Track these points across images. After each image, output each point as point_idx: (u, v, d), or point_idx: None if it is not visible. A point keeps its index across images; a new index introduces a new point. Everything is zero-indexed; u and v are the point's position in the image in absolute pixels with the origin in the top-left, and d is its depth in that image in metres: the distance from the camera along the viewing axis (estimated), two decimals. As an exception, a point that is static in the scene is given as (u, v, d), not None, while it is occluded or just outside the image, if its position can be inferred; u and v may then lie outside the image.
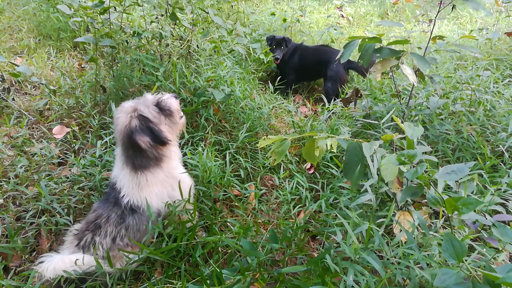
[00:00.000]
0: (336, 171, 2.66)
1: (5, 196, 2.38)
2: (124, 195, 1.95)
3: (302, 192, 2.59)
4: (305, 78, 4.47)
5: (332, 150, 1.94)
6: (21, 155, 2.73)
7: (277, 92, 4.25)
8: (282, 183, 2.74)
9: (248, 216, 2.45)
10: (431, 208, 2.06)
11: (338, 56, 2.78)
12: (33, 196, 2.38)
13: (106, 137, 2.82)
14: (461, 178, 2.15)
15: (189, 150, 2.71)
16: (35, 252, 2.13)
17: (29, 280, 1.77)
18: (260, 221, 2.45)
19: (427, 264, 1.67)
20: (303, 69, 4.39)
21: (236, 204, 2.48)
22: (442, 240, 1.72)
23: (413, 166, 1.61)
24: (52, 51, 4.17)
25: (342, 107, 3.52)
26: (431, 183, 1.67)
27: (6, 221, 2.17)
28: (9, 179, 2.50)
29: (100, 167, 2.57)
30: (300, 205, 2.51)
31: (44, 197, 2.31)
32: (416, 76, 2.76)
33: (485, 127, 2.99)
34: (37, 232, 2.23)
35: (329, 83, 4.14)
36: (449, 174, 1.51)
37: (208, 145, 2.72)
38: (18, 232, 2.14)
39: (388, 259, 1.70)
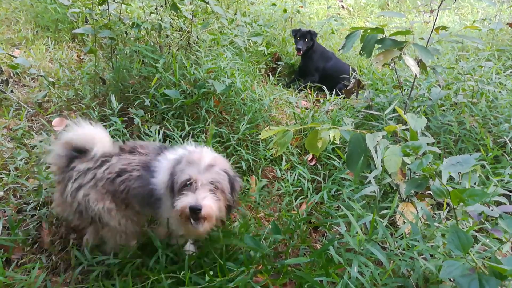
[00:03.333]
0: (338, 162, 2.65)
1: (5, 189, 2.36)
2: None
3: (304, 184, 2.58)
4: (325, 84, 4.46)
5: (334, 141, 1.93)
6: (20, 147, 2.71)
7: (279, 83, 4.23)
8: (283, 174, 2.73)
9: (250, 209, 2.45)
10: (434, 199, 2.05)
11: (340, 48, 2.76)
12: (34, 188, 2.36)
13: (106, 129, 2.79)
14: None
15: (190, 142, 2.69)
16: (36, 245, 2.11)
17: (32, 272, 1.77)
18: (262, 213, 2.44)
19: (431, 256, 1.67)
20: (327, 76, 4.47)
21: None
22: (446, 231, 1.72)
23: (418, 158, 1.60)
24: (50, 42, 4.12)
25: (344, 98, 3.50)
26: (435, 174, 1.66)
27: (7, 213, 2.16)
28: (9, 171, 2.48)
29: (101, 159, 2.55)
30: (302, 197, 2.50)
31: (45, 189, 2.30)
32: (419, 67, 2.74)
33: (488, 118, 2.97)
34: (38, 224, 2.21)
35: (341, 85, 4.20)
36: (455, 166, 1.50)
37: (209, 137, 2.70)
38: (19, 224, 2.13)
39: (392, 250, 1.70)
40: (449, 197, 1.50)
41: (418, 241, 1.60)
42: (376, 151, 1.91)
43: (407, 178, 2.05)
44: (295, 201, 2.47)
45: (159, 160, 1.85)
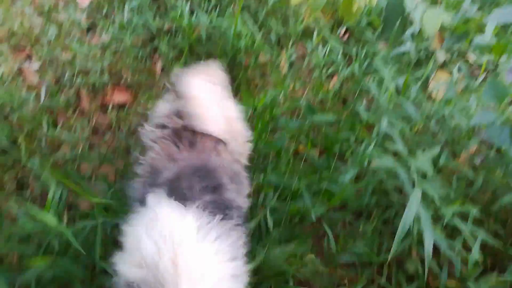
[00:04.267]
0: (372, 34, 2.53)
1: (41, 61, 2.43)
2: None
3: (335, 59, 2.52)
4: None
5: (369, 10, 1.82)
6: (50, 22, 2.70)
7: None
8: (314, 50, 2.65)
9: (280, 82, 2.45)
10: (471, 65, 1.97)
11: None
12: (68, 60, 2.42)
13: (133, 1, 2.72)
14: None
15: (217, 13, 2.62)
16: (77, 111, 2.23)
17: (76, 131, 1.90)
18: (291, 87, 2.44)
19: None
20: None
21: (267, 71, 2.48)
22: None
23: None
24: None
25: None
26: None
27: (47, 82, 2.25)
28: (42, 45, 2.52)
29: (130, 31, 2.54)
30: (333, 69, 2.47)
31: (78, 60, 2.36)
32: None
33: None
34: (76, 93, 2.31)
35: None
36: (502, 16, 1.39)
37: (237, 10, 2.59)
38: (60, 91, 2.24)
39: (423, 112, 1.70)
40: (491, 52, 1.43)
41: (452, 99, 1.58)
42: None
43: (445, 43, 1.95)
44: (326, 74, 2.44)
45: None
